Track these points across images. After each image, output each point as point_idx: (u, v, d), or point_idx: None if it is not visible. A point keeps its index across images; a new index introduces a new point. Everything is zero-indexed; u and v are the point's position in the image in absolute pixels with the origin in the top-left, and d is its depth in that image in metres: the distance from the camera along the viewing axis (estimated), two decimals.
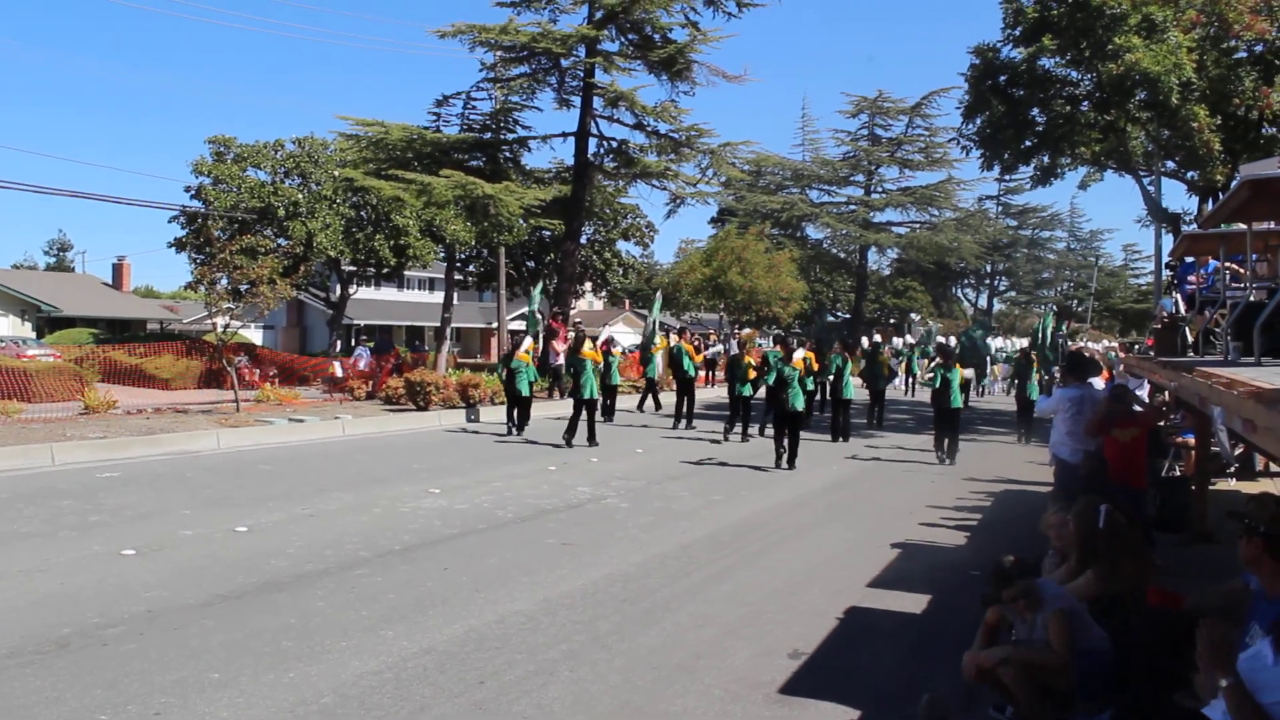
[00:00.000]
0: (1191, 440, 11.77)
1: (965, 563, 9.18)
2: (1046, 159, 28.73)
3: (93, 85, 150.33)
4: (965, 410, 18.87)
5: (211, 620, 6.61)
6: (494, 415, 21.26)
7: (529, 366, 19.43)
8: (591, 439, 17.22)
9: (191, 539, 9.02)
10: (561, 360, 25.34)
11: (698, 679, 5.83)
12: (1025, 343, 30.18)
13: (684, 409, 21.66)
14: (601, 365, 20.76)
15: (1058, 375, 19.43)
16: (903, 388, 35.61)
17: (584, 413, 17.45)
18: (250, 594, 7.27)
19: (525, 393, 19.21)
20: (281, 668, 5.74)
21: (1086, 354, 13.95)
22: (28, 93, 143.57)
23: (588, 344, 18.66)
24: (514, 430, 18.94)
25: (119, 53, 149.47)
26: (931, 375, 17.94)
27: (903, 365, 34.17)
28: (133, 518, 9.93)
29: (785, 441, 15.55)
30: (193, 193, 39.64)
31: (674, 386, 23.59)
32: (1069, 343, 28.78)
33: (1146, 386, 13.81)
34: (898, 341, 37.82)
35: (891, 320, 69.54)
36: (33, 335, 44.39)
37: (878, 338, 27.36)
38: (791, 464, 15.36)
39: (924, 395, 27.42)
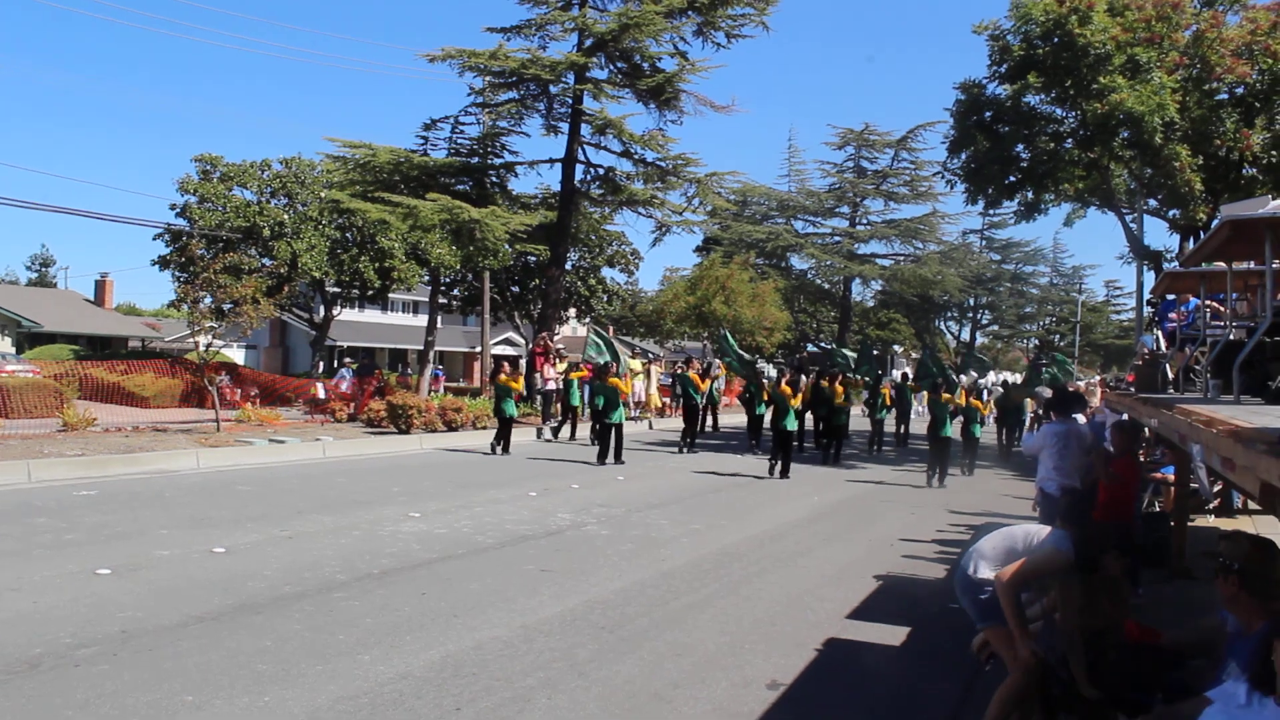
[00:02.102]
0: (1171, 476, 11.82)
1: (945, 595, 9.16)
2: (1030, 194, 28.94)
3: (79, 101, 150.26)
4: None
5: (187, 641, 6.55)
6: (474, 440, 21.37)
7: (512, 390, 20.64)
8: (618, 457, 18.93)
9: (168, 559, 8.94)
10: (550, 385, 25.70)
11: (675, 709, 5.80)
12: (1012, 378, 30.46)
13: (689, 434, 22.86)
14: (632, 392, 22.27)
15: (1041, 412, 19.68)
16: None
17: (611, 434, 19.01)
18: (226, 616, 7.21)
19: (510, 414, 20.21)
20: (256, 691, 5.69)
21: (1070, 388, 13.99)
22: (12, 107, 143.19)
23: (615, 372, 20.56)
24: (499, 450, 19.83)
25: (106, 69, 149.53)
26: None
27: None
28: (109, 537, 9.85)
29: (779, 457, 18.18)
30: (178, 211, 39.55)
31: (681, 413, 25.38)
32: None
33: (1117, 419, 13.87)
34: (896, 374, 38.11)
35: (875, 352, 69.75)
36: (12, 350, 44.08)
37: (907, 370, 28.54)
38: (785, 475, 17.94)
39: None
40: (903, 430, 27.54)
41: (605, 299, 51.50)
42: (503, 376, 20.49)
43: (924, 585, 9.66)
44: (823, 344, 42.35)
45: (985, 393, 26.89)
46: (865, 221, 64.39)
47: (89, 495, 12.51)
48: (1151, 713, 4.22)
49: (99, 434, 18.49)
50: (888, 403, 26.34)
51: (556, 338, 30.93)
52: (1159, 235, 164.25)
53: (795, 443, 20.15)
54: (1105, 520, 8.67)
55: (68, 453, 15.38)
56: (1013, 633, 5.19)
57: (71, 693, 5.52)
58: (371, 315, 58.07)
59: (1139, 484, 9.61)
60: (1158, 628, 6.08)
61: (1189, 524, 11.02)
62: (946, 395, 19.28)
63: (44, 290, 66.90)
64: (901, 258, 64.66)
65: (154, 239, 41.31)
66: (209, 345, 20.49)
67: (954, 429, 19.34)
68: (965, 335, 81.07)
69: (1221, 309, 10.85)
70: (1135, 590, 8.54)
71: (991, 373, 48.80)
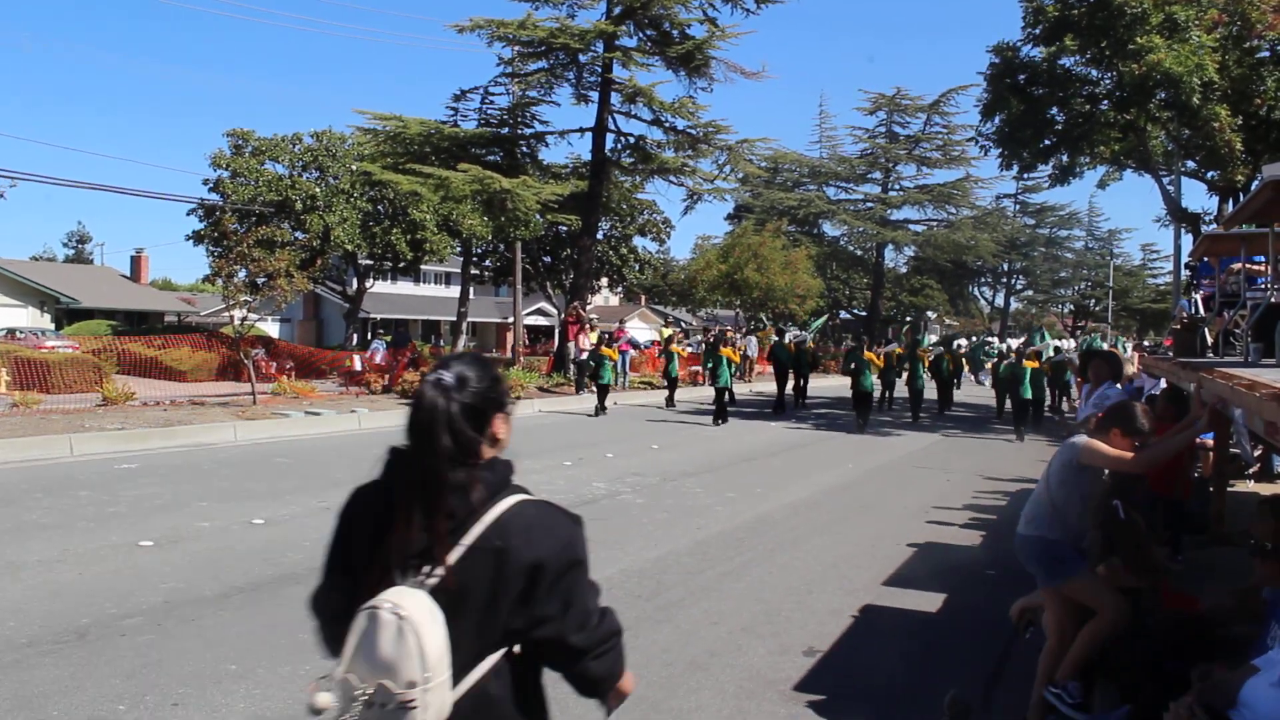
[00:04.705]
0: (1210, 442, 11.70)
1: (980, 563, 9.16)
2: (1065, 158, 28.57)
3: (113, 80, 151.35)
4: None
5: (228, 612, 6.65)
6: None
7: (610, 360, 23.98)
8: (722, 419, 21.16)
9: (208, 531, 9.07)
10: (584, 356, 25.90)
11: (712, 676, 5.83)
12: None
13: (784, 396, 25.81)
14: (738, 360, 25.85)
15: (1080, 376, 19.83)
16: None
17: (721, 396, 21.70)
18: (267, 586, 7.30)
19: (606, 380, 23.10)
20: (298, 660, 5.75)
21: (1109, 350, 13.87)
22: (49, 88, 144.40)
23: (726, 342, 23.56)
24: (598, 411, 22.16)
25: (139, 47, 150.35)
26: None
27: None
28: (150, 509, 9.99)
29: (860, 413, 21.21)
30: (211, 186, 39.86)
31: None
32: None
33: (1164, 385, 13.74)
34: (963, 342, 38.16)
35: (908, 318, 69.27)
36: (51, 326, 44.65)
37: (962, 341, 29.48)
38: (865, 430, 20.68)
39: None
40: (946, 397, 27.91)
41: (637, 268, 51.50)
42: (604, 349, 23.75)
43: (959, 552, 9.64)
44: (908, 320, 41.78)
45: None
46: (898, 187, 63.64)
47: (129, 469, 12.68)
48: (1191, 683, 4.18)
49: (138, 408, 18.71)
50: (926, 366, 26.61)
51: (589, 307, 30.99)
52: (1197, 197, 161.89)
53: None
54: (1157, 490, 8.58)
55: (108, 427, 15.58)
56: (1092, 577, 5.03)
57: (119, 661, 5.62)
58: (404, 287, 58.32)
59: (1191, 450, 9.48)
60: (1197, 594, 6.04)
61: (1228, 489, 10.90)
62: (1030, 362, 21.42)
63: (81, 267, 67.71)
64: (935, 223, 63.96)
65: (188, 214, 41.79)
66: (244, 319, 20.65)
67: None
68: (999, 301, 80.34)
69: (1262, 271, 10.70)
70: (1175, 558, 8.49)
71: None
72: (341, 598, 2.23)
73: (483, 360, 2.32)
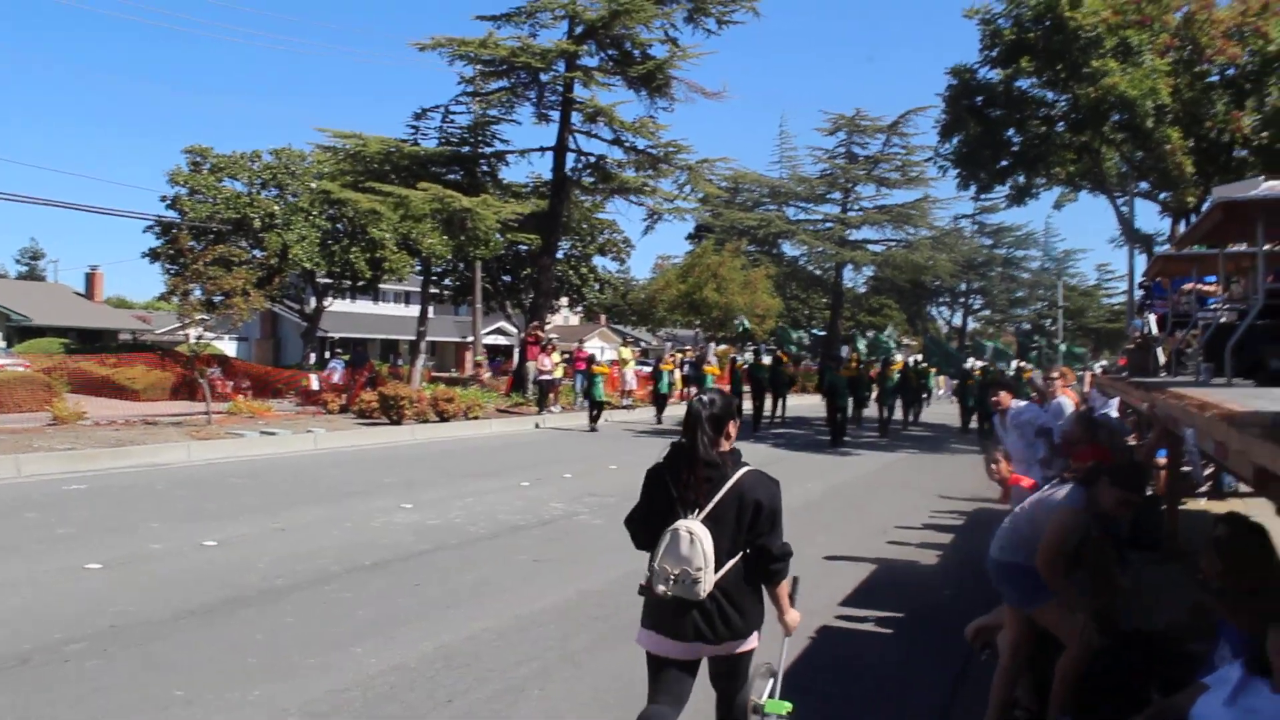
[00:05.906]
0: (1162, 460, 11.82)
1: (937, 583, 9.18)
2: (1022, 179, 28.97)
3: (68, 94, 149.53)
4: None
5: (178, 636, 6.53)
6: (466, 430, 21.42)
7: (602, 377, 24.78)
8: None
9: (159, 553, 8.91)
10: (545, 376, 25.83)
11: None
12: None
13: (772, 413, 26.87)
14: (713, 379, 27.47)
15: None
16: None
17: None
18: (218, 609, 7.18)
19: (600, 397, 24.25)
20: (248, 685, 5.66)
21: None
22: (2, 102, 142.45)
23: (709, 361, 26.52)
24: (593, 427, 23.40)
25: (95, 62, 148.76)
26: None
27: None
28: (99, 531, 9.81)
29: (835, 432, 22.00)
30: (168, 203, 39.44)
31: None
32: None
33: (1116, 403, 13.88)
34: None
35: (866, 335, 69.62)
36: (2, 344, 43.94)
37: (919, 357, 30.39)
38: (838, 444, 21.65)
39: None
40: (911, 415, 28.58)
41: (597, 287, 51.53)
42: (595, 366, 24.91)
43: (916, 572, 9.66)
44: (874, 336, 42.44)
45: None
46: (857, 208, 64.12)
47: (79, 489, 12.47)
48: (1150, 704, 4.20)
49: (89, 428, 18.41)
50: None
51: (548, 327, 30.93)
52: (1150, 218, 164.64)
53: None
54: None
55: (57, 447, 15.32)
56: (1062, 606, 5.06)
57: (63, 688, 5.50)
58: (363, 306, 57.95)
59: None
60: (1154, 611, 6.08)
61: (1180, 507, 11.02)
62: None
63: (33, 284, 66.67)
64: (893, 243, 64.47)
65: (144, 231, 41.33)
66: (199, 337, 20.45)
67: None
68: (957, 320, 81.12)
69: (1214, 291, 10.85)
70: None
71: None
72: (647, 522, 4.06)
73: (724, 392, 4.16)
